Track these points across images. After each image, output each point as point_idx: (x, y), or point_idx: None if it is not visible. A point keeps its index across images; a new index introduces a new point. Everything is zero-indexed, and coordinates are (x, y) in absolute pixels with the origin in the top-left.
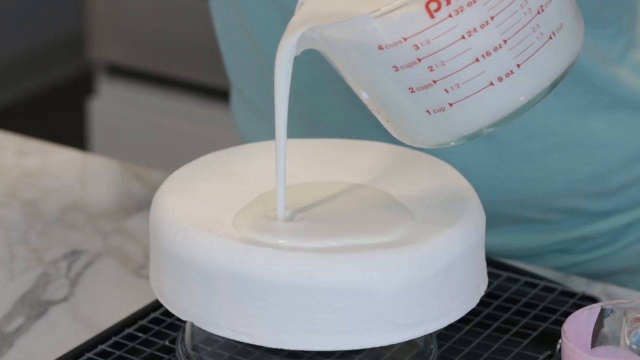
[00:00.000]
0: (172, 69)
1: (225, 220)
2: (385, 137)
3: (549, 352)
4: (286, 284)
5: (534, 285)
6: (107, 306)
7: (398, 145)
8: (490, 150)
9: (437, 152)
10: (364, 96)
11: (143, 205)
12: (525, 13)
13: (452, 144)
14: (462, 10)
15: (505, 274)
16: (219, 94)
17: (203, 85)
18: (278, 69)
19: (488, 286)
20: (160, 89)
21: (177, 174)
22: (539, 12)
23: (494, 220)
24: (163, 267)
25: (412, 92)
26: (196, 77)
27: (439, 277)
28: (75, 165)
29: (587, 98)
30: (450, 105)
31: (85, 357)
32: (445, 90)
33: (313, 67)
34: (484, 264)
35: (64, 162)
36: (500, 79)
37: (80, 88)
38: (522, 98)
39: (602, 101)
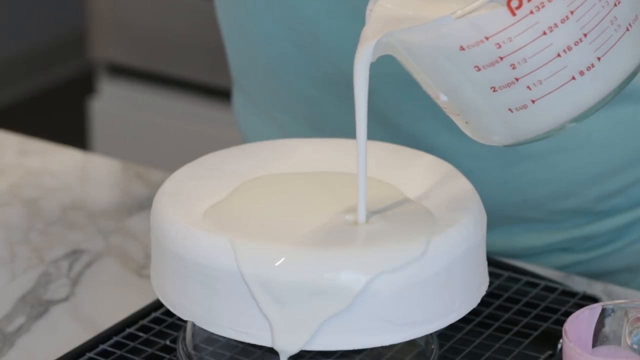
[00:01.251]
0: (173, 69)
1: (228, 219)
2: (389, 138)
3: (550, 352)
4: (287, 284)
5: (534, 285)
6: (108, 306)
7: (398, 144)
8: (495, 152)
9: (443, 153)
10: (442, 99)
11: (144, 204)
12: (603, 6)
13: (531, 141)
14: (542, 7)
15: (506, 274)
16: (220, 93)
17: (204, 84)
18: (357, 79)
19: (489, 286)
20: (161, 89)
21: (178, 173)
22: (615, 5)
23: (497, 220)
24: (164, 266)
25: (494, 91)
26: (197, 76)
27: (439, 277)
28: (76, 165)
29: None
30: (533, 102)
31: (86, 356)
32: (528, 87)
33: (317, 69)
34: (485, 263)
35: (65, 161)
36: (581, 73)
37: (81, 87)
38: (603, 90)
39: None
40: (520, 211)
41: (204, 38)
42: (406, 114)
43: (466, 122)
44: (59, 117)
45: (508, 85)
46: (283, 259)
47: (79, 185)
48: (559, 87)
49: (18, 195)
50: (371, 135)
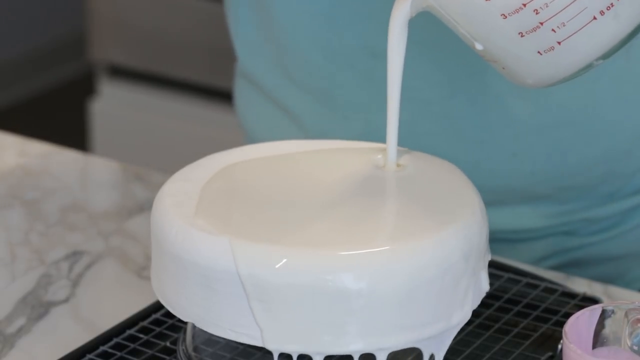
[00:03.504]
0: (173, 70)
1: (227, 220)
2: (401, 103)
3: (550, 354)
4: (287, 285)
5: (535, 287)
6: (108, 307)
7: (411, 112)
8: (506, 123)
9: (454, 122)
10: (478, 47)
11: (144, 206)
12: None
13: (564, 80)
14: None
15: (506, 275)
16: (220, 94)
17: (204, 86)
18: (392, 36)
19: (489, 287)
20: (162, 90)
21: (178, 175)
22: None
23: (503, 196)
24: (164, 268)
25: (522, 36)
26: (197, 78)
27: (440, 279)
28: (76, 166)
29: (596, 70)
30: (559, 43)
31: (86, 358)
32: (553, 30)
33: (333, 40)
34: (487, 265)
35: (65, 163)
36: (602, 13)
37: (81, 89)
38: (625, 28)
39: (611, 73)
40: (527, 185)
41: (204, 39)
42: (421, 79)
43: (503, 68)
44: (59, 118)
45: (534, 29)
46: (283, 261)
47: (79, 187)
48: (582, 28)
49: (18, 196)
50: (377, 105)
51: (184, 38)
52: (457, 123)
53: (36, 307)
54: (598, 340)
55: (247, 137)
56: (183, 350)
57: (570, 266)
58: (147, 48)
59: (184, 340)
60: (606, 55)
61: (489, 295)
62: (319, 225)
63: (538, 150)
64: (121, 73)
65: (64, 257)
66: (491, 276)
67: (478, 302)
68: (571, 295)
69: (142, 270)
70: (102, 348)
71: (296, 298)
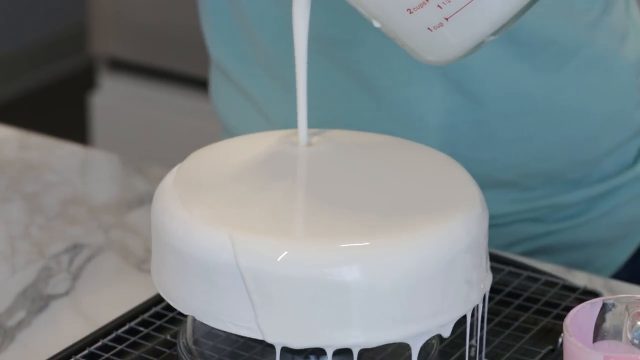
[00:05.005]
0: (174, 64)
1: (227, 213)
2: (359, 92)
3: (550, 347)
4: (288, 279)
5: (535, 280)
6: (108, 300)
7: (369, 99)
8: (467, 108)
9: (414, 107)
10: (376, 24)
11: (144, 199)
12: None
13: (460, 57)
14: None
15: (506, 269)
16: None
17: (204, 79)
18: (297, 12)
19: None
20: (162, 84)
21: (178, 167)
22: None
23: None
24: (164, 261)
25: (410, 13)
26: (197, 71)
27: (441, 272)
28: (76, 160)
29: (560, 59)
30: (447, 19)
31: (86, 351)
32: (439, 6)
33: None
34: (487, 258)
35: (66, 156)
36: None
37: (81, 82)
38: (514, 3)
39: (575, 63)
40: (490, 171)
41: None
42: (377, 68)
43: (402, 45)
44: (60, 112)
45: (421, 5)
46: (284, 253)
47: (79, 180)
48: (468, 4)
49: (18, 190)
50: (341, 90)
51: (184, 32)
52: (417, 110)
53: (36, 300)
54: (599, 333)
55: (222, 126)
56: (183, 343)
57: (539, 253)
58: (147, 42)
59: (184, 333)
60: (496, 32)
61: (489, 289)
62: (319, 217)
63: (500, 135)
64: (121, 66)
65: (64, 250)
66: (492, 270)
67: (481, 296)
68: (572, 288)
69: (142, 263)
70: (102, 341)
71: (297, 291)
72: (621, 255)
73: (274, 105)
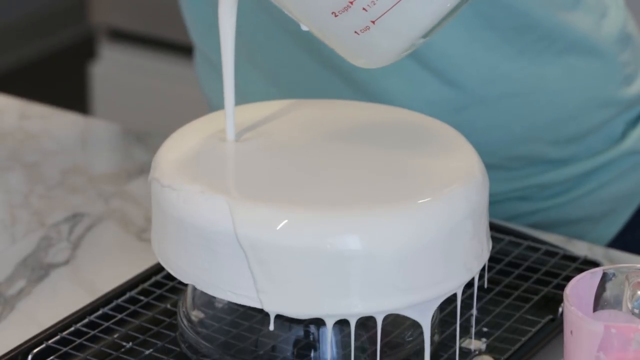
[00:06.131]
0: (173, 33)
1: (226, 182)
2: (339, 85)
3: (551, 317)
4: (287, 248)
5: (535, 250)
6: (108, 269)
7: (352, 91)
8: (447, 96)
9: (394, 99)
10: (304, 28)
11: (144, 168)
12: None
13: (391, 60)
14: None
15: (507, 238)
16: None
17: None
18: (222, 19)
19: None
20: (162, 53)
21: (176, 135)
22: None
23: None
24: (164, 230)
25: (335, 16)
26: None
27: (441, 241)
28: (76, 129)
29: (540, 44)
30: (373, 22)
31: (87, 320)
32: (364, 9)
33: (272, 21)
34: (488, 227)
35: (66, 125)
36: None
37: (82, 52)
38: (441, 5)
39: (556, 47)
40: None
41: None
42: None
43: (333, 48)
44: (60, 82)
45: (345, 9)
46: (284, 222)
47: (79, 149)
48: (394, 6)
49: (18, 159)
50: (322, 83)
51: None
52: (398, 100)
53: (36, 269)
54: (599, 303)
55: (209, 106)
56: (183, 312)
57: None
58: (147, 11)
59: (185, 302)
60: (426, 35)
61: (489, 258)
62: (318, 185)
63: (481, 122)
64: (121, 36)
65: (64, 219)
66: (492, 239)
67: (480, 266)
68: (572, 258)
69: (142, 233)
70: (102, 310)
71: (296, 260)
72: (610, 230)
73: (255, 96)
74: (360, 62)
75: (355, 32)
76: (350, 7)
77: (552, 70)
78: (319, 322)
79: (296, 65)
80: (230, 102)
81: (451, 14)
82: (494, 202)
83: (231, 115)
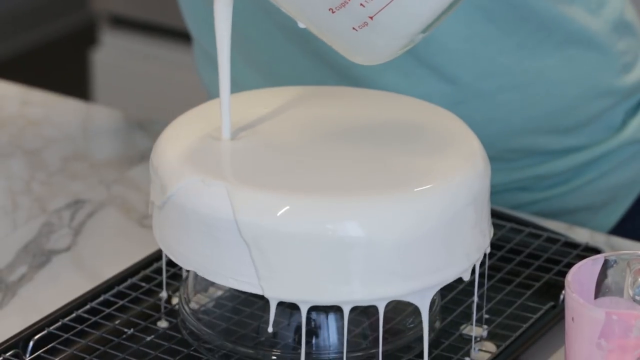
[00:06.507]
0: (174, 20)
1: (227, 169)
2: (335, 81)
3: (552, 303)
4: (288, 234)
5: (537, 236)
6: (110, 256)
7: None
8: (444, 91)
9: (389, 91)
10: (301, 25)
11: (145, 154)
12: None
13: (390, 57)
14: None
15: (508, 225)
16: None
17: None
18: (217, 18)
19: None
20: (163, 39)
21: (177, 122)
22: None
23: None
24: (166, 216)
25: (333, 12)
26: None
27: (442, 228)
28: (78, 115)
29: (538, 35)
30: (371, 18)
31: (88, 306)
32: (361, 4)
33: (268, 18)
34: (489, 214)
35: (67, 112)
36: None
37: (83, 39)
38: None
39: (554, 38)
40: None
41: None
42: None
43: (331, 45)
44: (61, 69)
45: (342, 5)
46: (285, 208)
47: (81, 136)
48: (392, 1)
49: (20, 145)
50: (317, 79)
51: None
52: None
53: (38, 255)
54: (600, 290)
55: (208, 96)
56: (185, 298)
57: None
58: None
59: (186, 288)
60: (426, 30)
61: (491, 245)
62: (319, 173)
63: (479, 116)
64: (123, 23)
65: (66, 205)
66: (493, 226)
67: (482, 252)
68: (573, 245)
69: (143, 219)
70: (103, 296)
71: (297, 247)
72: (610, 219)
73: (250, 80)
74: (358, 59)
75: (353, 28)
76: (347, 3)
77: (550, 62)
78: (320, 309)
79: (291, 62)
80: (226, 102)
81: (450, 8)
82: (494, 192)
83: (227, 114)
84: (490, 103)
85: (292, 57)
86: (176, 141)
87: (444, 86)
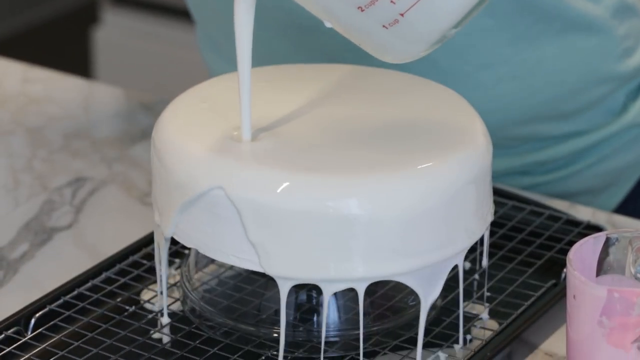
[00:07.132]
0: None
1: (228, 146)
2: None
3: (553, 281)
4: (288, 211)
5: (539, 214)
6: (111, 233)
7: (400, 71)
8: (442, 83)
9: None
10: (327, 25)
11: (147, 132)
12: None
13: (422, 54)
14: None
15: (510, 203)
16: None
17: None
18: (238, 17)
19: (493, 215)
20: (165, 18)
21: (178, 100)
22: None
23: None
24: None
25: (362, 11)
26: None
27: (444, 205)
28: (80, 93)
29: (538, 26)
30: (402, 15)
31: (90, 283)
32: (392, 1)
33: (265, 10)
34: (491, 192)
35: (69, 89)
36: None
37: (84, 17)
38: None
39: (554, 28)
40: None
41: None
42: (346, 53)
43: (359, 44)
44: (63, 47)
45: (372, 3)
46: (284, 185)
47: (82, 114)
48: None
49: (21, 123)
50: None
51: None
52: None
53: (39, 233)
54: (602, 268)
55: (209, 71)
56: (186, 276)
57: None
58: None
59: (187, 266)
60: (459, 24)
61: (492, 223)
62: (321, 150)
63: (478, 107)
64: (124, 1)
65: (67, 183)
66: (495, 204)
67: (483, 230)
68: (575, 223)
69: (145, 197)
70: (105, 274)
71: (297, 224)
72: (611, 201)
73: None
74: (387, 58)
75: (384, 26)
76: (377, 0)
77: (549, 51)
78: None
79: (288, 59)
80: (246, 103)
81: (482, 3)
82: (494, 177)
83: (247, 115)
84: (490, 94)
85: (287, 54)
86: (178, 119)
87: (443, 79)
